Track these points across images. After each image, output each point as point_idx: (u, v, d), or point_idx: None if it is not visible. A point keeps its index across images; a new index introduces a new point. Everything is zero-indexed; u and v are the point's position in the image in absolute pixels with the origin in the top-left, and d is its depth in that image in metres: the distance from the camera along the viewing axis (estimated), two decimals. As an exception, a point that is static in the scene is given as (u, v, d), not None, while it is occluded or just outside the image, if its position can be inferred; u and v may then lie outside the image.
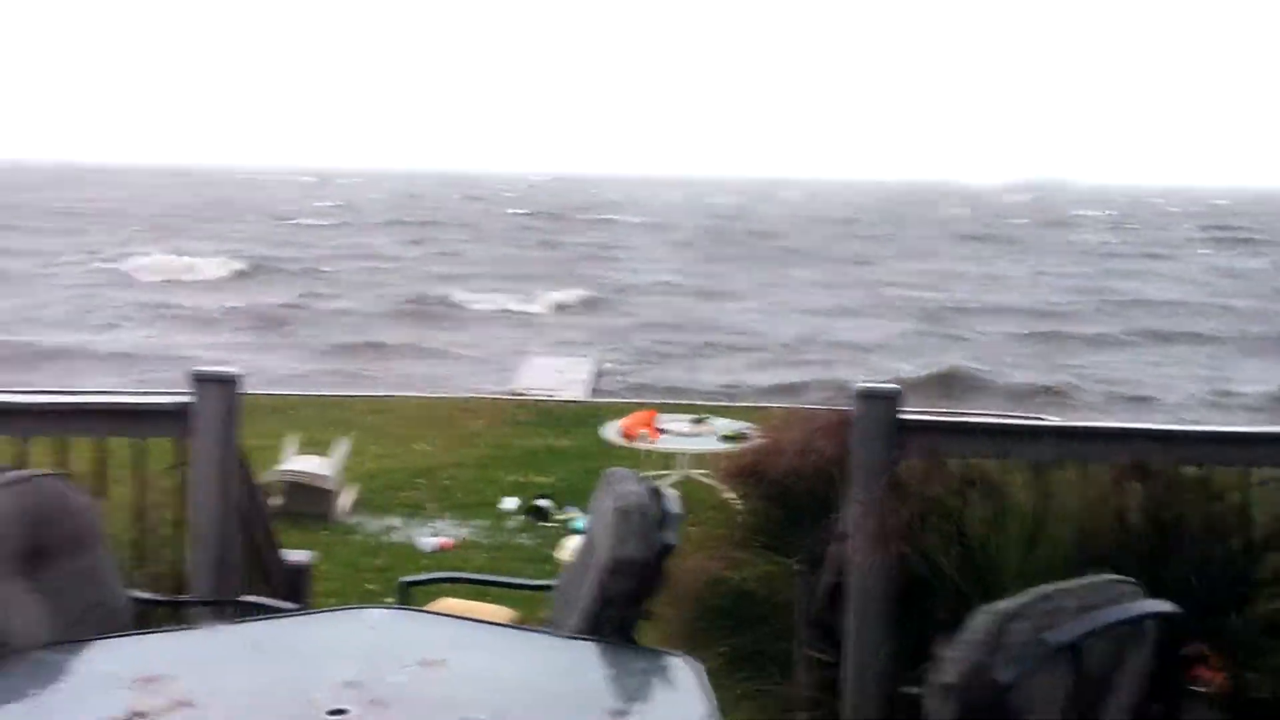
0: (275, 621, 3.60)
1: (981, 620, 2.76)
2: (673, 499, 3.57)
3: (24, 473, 3.48)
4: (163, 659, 2.99)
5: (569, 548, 8.27)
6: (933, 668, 2.81)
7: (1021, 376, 24.20)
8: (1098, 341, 30.25)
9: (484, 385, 19.53)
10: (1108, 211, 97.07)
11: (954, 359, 25.67)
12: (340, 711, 2.59)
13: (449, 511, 10.14)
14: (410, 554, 8.95)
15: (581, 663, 3.20)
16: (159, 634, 3.40)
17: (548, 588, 4.18)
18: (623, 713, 2.88)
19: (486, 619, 3.91)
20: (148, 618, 4.04)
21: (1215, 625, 4.58)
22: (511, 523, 9.82)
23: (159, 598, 4.31)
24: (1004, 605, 2.79)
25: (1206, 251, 61.33)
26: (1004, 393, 22.27)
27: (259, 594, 4.91)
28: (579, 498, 9.84)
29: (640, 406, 12.36)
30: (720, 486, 8.53)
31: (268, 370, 20.90)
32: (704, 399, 17.15)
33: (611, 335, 28.99)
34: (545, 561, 8.49)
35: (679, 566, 5.03)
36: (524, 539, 9.44)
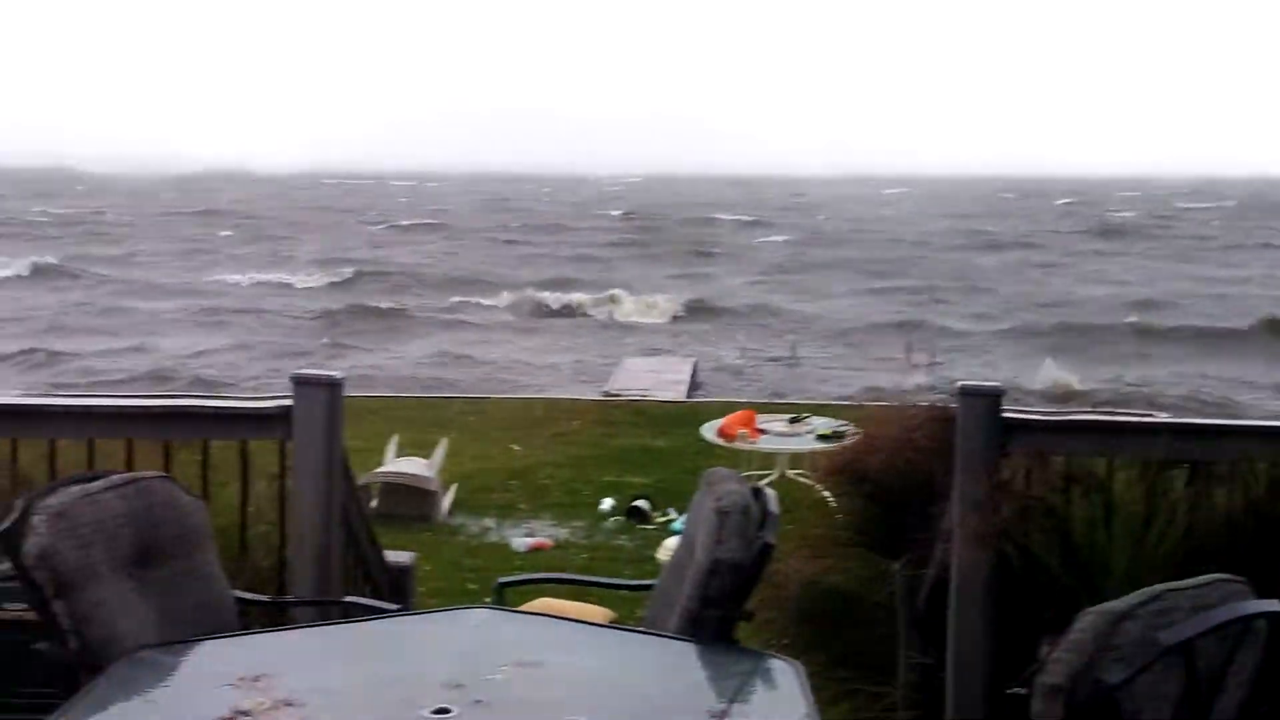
0: (378, 622, 3.62)
1: (1090, 620, 2.71)
2: (772, 499, 3.54)
3: (133, 475, 3.54)
4: (267, 658, 3.03)
5: (668, 548, 8.26)
6: (1038, 669, 2.77)
7: None
8: None
9: (580, 387, 19.58)
10: (1223, 203, 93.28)
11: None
12: (443, 711, 2.60)
13: (545, 512, 10.19)
14: (508, 554, 9.01)
15: (681, 663, 3.19)
16: (263, 634, 3.44)
17: (646, 588, 4.16)
18: (722, 714, 2.86)
19: (584, 619, 3.92)
20: (252, 618, 4.10)
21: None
22: (609, 523, 9.84)
23: (263, 598, 4.36)
24: (1113, 605, 2.73)
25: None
26: None
27: (361, 594, 4.96)
28: (676, 498, 9.84)
29: (736, 407, 12.32)
30: (818, 486, 8.49)
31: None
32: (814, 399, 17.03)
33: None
34: (645, 563, 8.49)
35: (778, 567, 5.01)
36: (623, 540, 9.45)
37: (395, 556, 5.71)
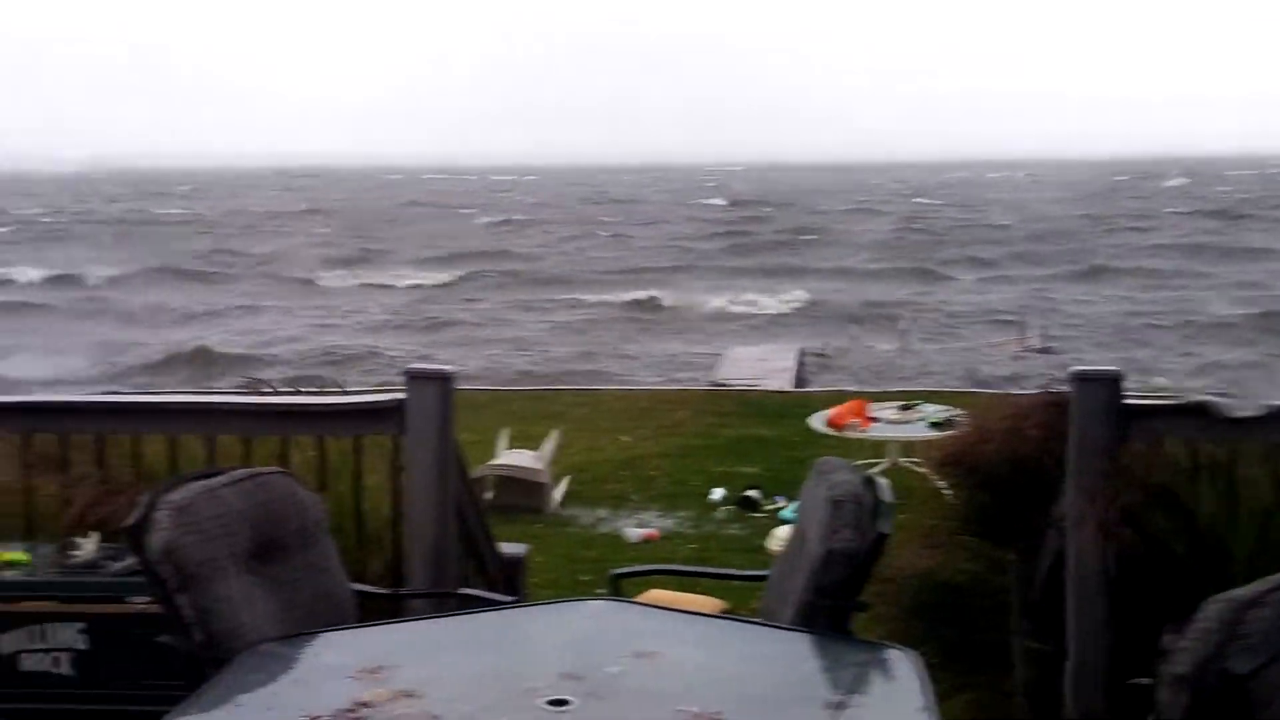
0: (494, 613, 3.65)
1: (1216, 609, 2.65)
2: (886, 488, 3.51)
3: (252, 470, 3.59)
4: (386, 650, 3.06)
5: (778, 537, 8.23)
6: (1162, 658, 2.71)
7: None
8: None
9: (687, 377, 19.55)
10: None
11: None
12: (561, 702, 2.61)
13: (655, 502, 10.19)
14: (619, 545, 9.02)
15: (797, 654, 3.18)
16: (382, 626, 3.48)
17: (759, 578, 4.15)
18: (841, 705, 2.85)
19: (696, 610, 3.92)
20: (369, 610, 4.15)
21: None
22: (720, 513, 9.83)
23: (380, 590, 4.41)
24: (1240, 593, 2.67)
25: None
26: None
27: (476, 586, 5.01)
28: (786, 487, 9.79)
29: (843, 395, 12.24)
30: (930, 474, 8.41)
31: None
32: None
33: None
34: (755, 552, 8.46)
35: (891, 557, 4.97)
36: (733, 529, 9.43)
37: (509, 548, 5.74)
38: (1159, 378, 20.97)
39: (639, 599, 4.62)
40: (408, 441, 4.72)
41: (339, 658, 3.06)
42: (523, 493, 9.85)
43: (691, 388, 16.57)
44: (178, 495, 3.23)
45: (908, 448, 9.96)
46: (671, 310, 32.35)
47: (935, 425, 9.70)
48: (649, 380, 20.32)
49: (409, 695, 2.71)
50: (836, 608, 3.34)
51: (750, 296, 33.80)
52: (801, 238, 51.23)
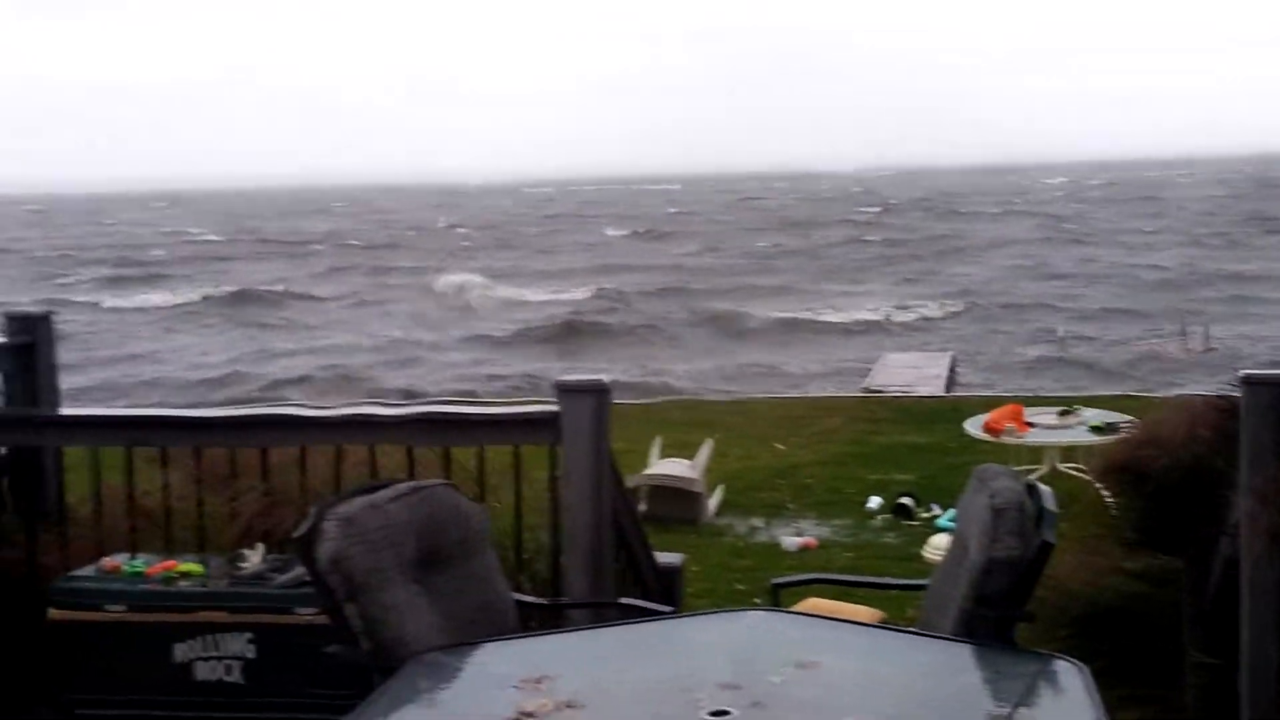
0: (653, 623, 3.66)
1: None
2: (1048, 495, 3.44)
3: (417, 483, 3.65)
4: (548, 660, 3.08)
5: (935, 546, 8.13)
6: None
7: None
8: None
9: (840, 385, 19.40)
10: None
11: None
12: (722, 713, 2.60)
13: (810, 510, 10.14)
14: (775, 554, 8.99)
15: (959, 665, 3.12)
16: (543, 636, 3.51)
17: (919, 588, 4.10)
18: (1006, 718, 2.79)
19: (855, 619, 3.88)
20: (530, 619, 4.19)
21: None
22: (875, 521, 9.74)
23: (541, 600, 4.45)
24: None
25: None
26: None
27: (633, 596, 5.02)
28: (941, 494, 9.67)
29: (998, 400, 12.05)
30: (1092, 480, 8.22)
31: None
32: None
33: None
34: (911, 560, 8.37)
35: (1053, 565, 4.87)
36: (889, 537, 9.34)
37: (665, 558, 5.75)
38: None
39: (797, 608, 4.59)
40: (564, 451, 4.76)
41: (502, 667, 3.09)
42: (676, 502, 9.86)
43: (845, 395, 16.45)
44: (345, 507, 3.29)
45: (1067, 453, 9.76)
46: (822, 320, 32.10)
47: (1095, 430, 9.50)
48: (803, 388, 20.22)
49: (571, 705, 2.72)
50: (1000, 618, 3.28)
51: (901, 303, 33.44)
52: (951, 242, 50.50)
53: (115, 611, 4.60)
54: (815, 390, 19.82)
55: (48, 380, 5.54)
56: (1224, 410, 4.99)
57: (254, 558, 4.75)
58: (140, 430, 5.25)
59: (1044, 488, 3.53)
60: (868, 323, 31.44)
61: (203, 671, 4.57)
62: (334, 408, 5.27)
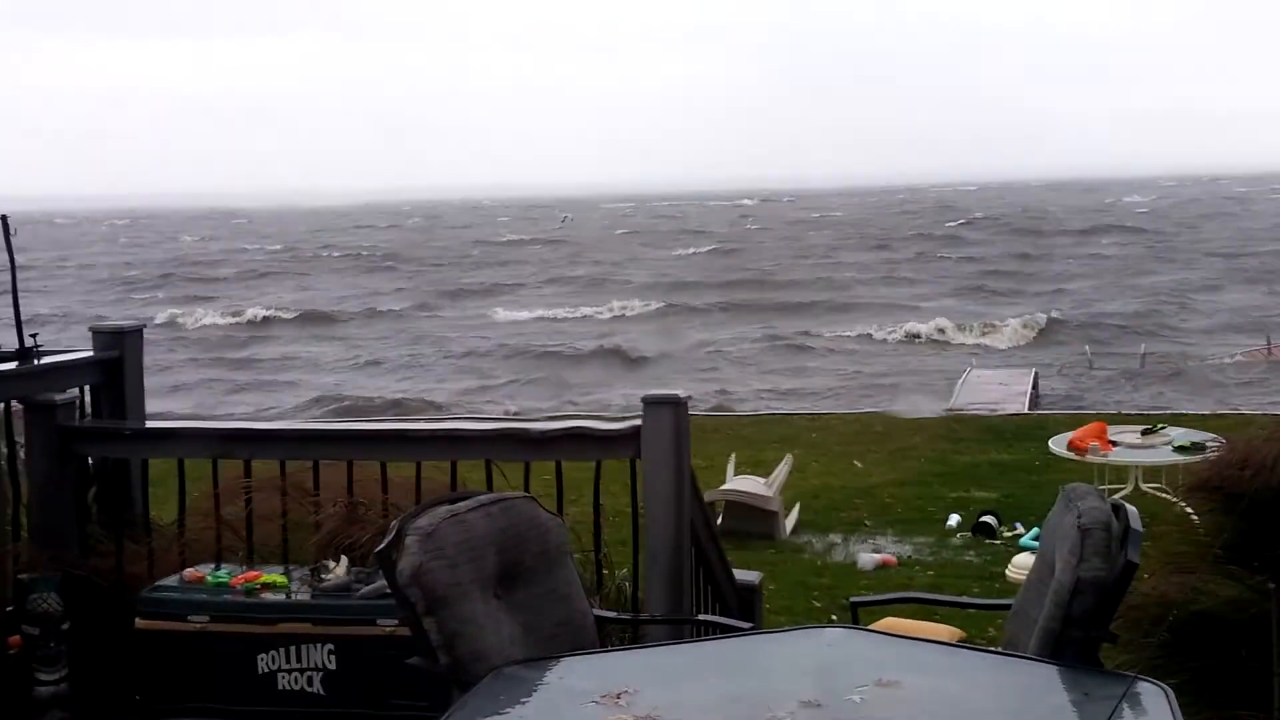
0: (733, 639, 3.65)
1: None
2: (1134, 515, 3.39)
3: (496, 495, 3.66)
4: (628, 675, 3.08)
5: (1019, 565, 8.04)
6: None
7: None
8: None
9: (923, 402, 19.23)
10: None
11: None
12: (803, 731, 2.59)
13: (890, 528, 10.08)
14: (853, 571, 8.94)
15: (1043, 686, 3.09)
16: (624, 651, 3.51)
17: (1003, 607, 4.05)
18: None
19: (935, 638, 3.84)
20: (609, 634, 4.18)
21: None
22: (956, 539, 9.66)
23: (622, 615, 4.45)
24: None
25: None
26: None
27: (710, 612, 5.01)
28: (1024, 513, 9.58)
29: (1081, 418, 11.91)
30: (1177, 500, 8.09)
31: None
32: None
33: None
34: (992, 579, 8.30)
35: (1138, 585, 4.79)
36: (969, 556, 9.26)
37: (743, 576, 5.74)
38: None
39: (877, 626, 4.56)
40: (644, 466, 4.75)
41: (582, 682, 3.09)
42: (752, 519, 9.84)
43: (927, 413, 16.32)
44: (425, 520, 3.31)
45: (1152, 473, 9.63)
46: (901, 336, 31.82)
47: (1181, 450, 9.37)
48: (881, 404, 20.07)
49: (652, 720, 2.72)
50: (1084, 638, 3.24)
51: (983, 320, 33.07)
52: (1033, 259, 49.91)
53: (199, 622, 4.66)
54: (898, 406, 19.70)
55: (135, 393, 5.63)
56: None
57: (338, 569, 4.79)
58: (226, 443, 5.31)
59: (1130, 507, 3.48)
60: (947, 337, 31.15)
61: (285, 682, 4.61)
62: (418, 422, 5.31)
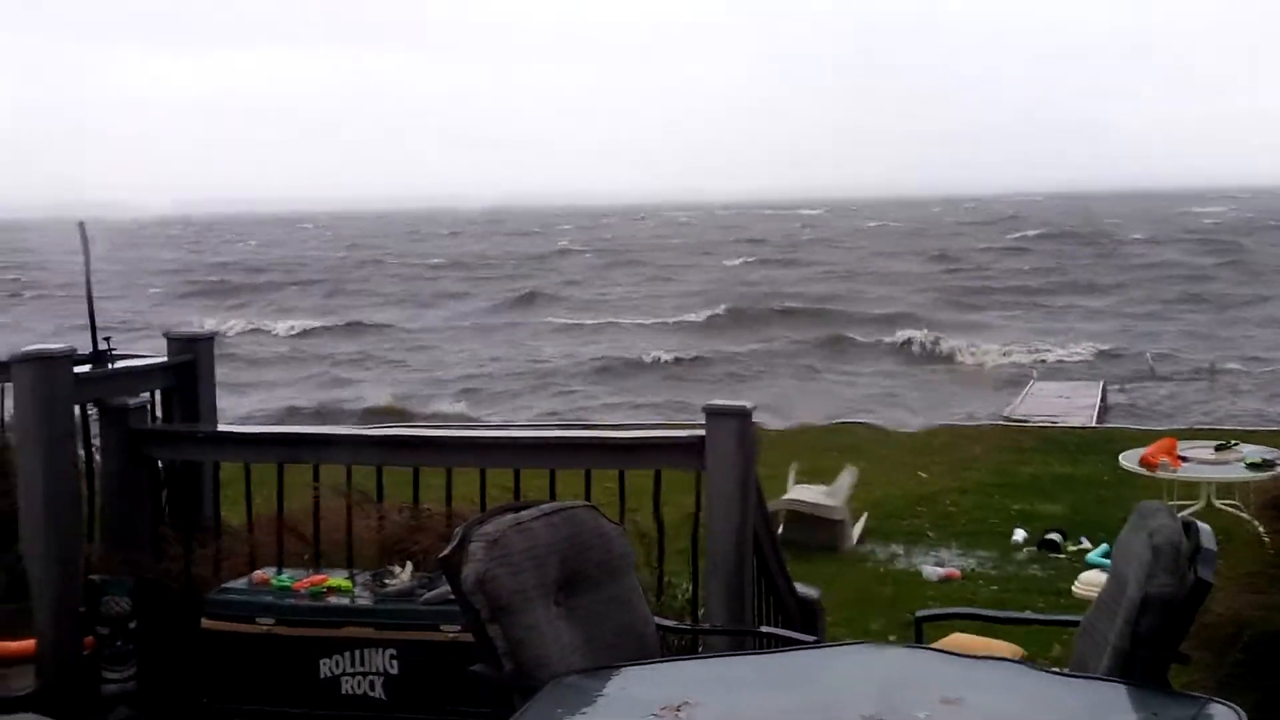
0: (794, 652, 3.63)
1: None
2: (1206, 533, 3.34)
3: (559, 504, 3.67)
4: (689, 686, 3.07)
5: (1086, 582, 7.96)
6: None
7: None
8: None
9: (983, 412, 19.09)
10: None
11: None
12: (865, 747, 2.58)
13: (953, 540, 10.00)
14: (916, 583, 8.88)
15: (1109, 705, 3.04)
16: (684, 661, 3.50)
17: (1068, 623, 4.00)
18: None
19: (1000, 655, 3.80)
20: (670, 645, 4.18)
21: None
22: (1021, 554, 9.56)
23: (683, 626, 4.43)
24: None
25: None
26: None
27: (773, 624, 4.99)
28: (1090, 528, 9.48)
29: (1151, 433, 11.77)
30: (1250, 518, 7.98)
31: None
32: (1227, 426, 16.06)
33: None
34: (1057, 595, 8.21)
35: (1210, 603, 4.72)
36: (1034, 570, 9.16)
37: (804, 590, 5.71)
38: None
39: (942, 642, 4.52)
40: (708, 476, 4.74)
41: (642, 692, 3.09)
42: (814, 529, 9.79)
43: (989, 423, 16.19)
44: (490, 527, 3.32)
45: (1224, 489, 9.49)
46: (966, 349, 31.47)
47: (1253, 466, 9.23)
48: (944, 414, 19.93)
49: (713, 732, 2.71)
50: (1154, 658, 3.19)
51: (1052, 332, 32.67)
52: (1101, 271, 49.32)
53: (265, 624, 4.70)
54: (961, 417, 19.56)
55: (207, 397, 5.71)
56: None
57: (402, 574, 4.81)
58: (293, 447, 5.36)
59: (1203, 525, 3.44)
60: (1013, 351, 30.79)
61: (348, 686, 4.63)
62: (481, 429, 5.33)
